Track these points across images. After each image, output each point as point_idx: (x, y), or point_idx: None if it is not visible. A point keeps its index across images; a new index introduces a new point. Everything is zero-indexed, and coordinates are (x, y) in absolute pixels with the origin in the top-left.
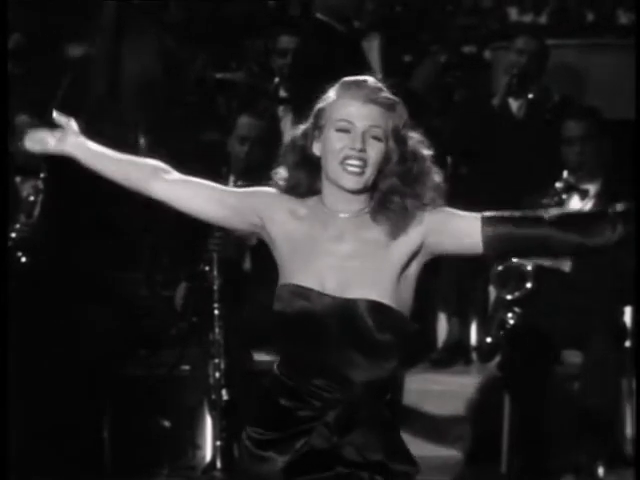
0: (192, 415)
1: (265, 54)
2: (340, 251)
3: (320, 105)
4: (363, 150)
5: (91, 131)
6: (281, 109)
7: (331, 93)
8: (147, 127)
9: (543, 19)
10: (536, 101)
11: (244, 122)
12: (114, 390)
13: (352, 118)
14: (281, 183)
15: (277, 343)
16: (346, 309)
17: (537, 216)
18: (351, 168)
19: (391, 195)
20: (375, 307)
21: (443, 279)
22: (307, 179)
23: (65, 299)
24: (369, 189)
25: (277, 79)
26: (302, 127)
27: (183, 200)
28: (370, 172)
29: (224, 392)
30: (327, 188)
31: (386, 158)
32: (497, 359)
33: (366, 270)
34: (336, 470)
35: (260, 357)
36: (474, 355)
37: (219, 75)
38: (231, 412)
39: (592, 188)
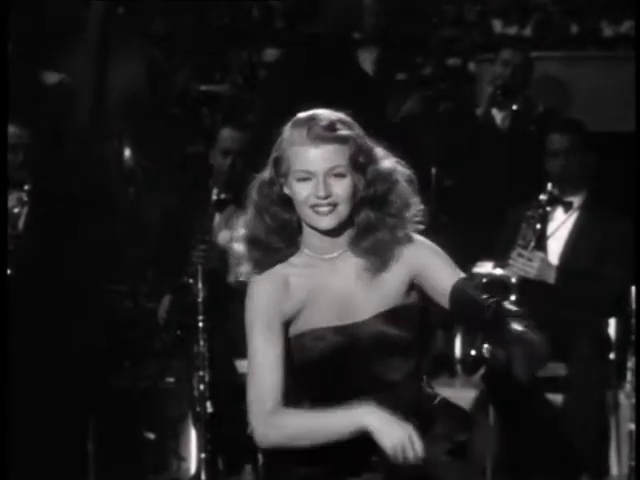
0: (176, 427)
1: (249, 66)
2: (339, 287)
3: (275, 154)
4: (329, 195)
5: (77, 143)
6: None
7: (283, 138)
8: (132, 139)
9: (527, 31)
10: (520, 113)
11: (226, 135)
12: (98, 402)
13: (309, 166)
14: (249, 235)
15: (307, 393)
16: (371, 327)
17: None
18: (322, 212)
19: (366, 232)
20: (393, 313)
21: None
22: (295, 217)
23: (49, 311)
24: (348, 224)
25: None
26: (265, 175)
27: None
28: (342, 209)
29: (209, 404)
30: (308, 232)
31: (354, 190)
32: (481, 372)
33: (369, 297)
34: None
35: (245, 370)
36: (458, 367)
37: (203, 87)
38: (216, 424)
39: (576, 200)
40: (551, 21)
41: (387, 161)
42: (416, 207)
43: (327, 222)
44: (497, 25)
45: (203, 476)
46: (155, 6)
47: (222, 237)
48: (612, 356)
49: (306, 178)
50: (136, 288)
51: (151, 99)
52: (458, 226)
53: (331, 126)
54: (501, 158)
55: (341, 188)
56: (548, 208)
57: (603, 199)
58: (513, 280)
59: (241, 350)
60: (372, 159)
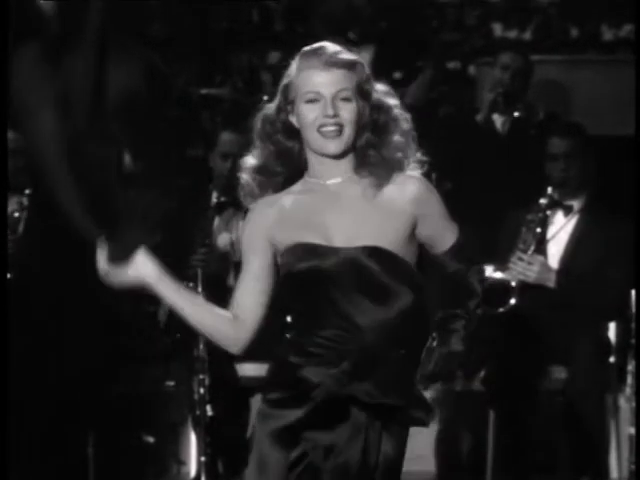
0: (176, 431)
1: (250, 69)
2: (341, 209)
3: (285, 81)
4: (336, 115)
5: (75, 147)
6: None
7: (293, 67)
8: (131, 142)
9: (527, 35)
10: (521, 117)
11: (226, 138)
12: (98, 406)
13: (318, 87)
14: (254, 164)
15: (286, 305)
16: (353, 258)
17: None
18: (329, 134)
19: (366, 149)
20: (380, 253)
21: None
22: (297, 145)
23: (48, 314)
24: (351, 150)
25: (266, 97)
26: (272, 105)
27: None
28: (348, 133)
29: (208, 408)
30: (312, 159)
31: (359, 116)
32: (482, 374)
33: (369, 222)
34: (352, 414)
35: (244, 373)
36: (458, 370)
37: (203, 90)
38: (215, 428)
39: (576, 204)
40: (551, 25)
41: (390, 97)
42: (414, 152)
43: (334, 146)
44: (497, 29)
45: (203, 479)
46: (155, 9)
47: (222, 240)
48: (612, 359)
49: (314, 100)
50: (136, 291)
51: (150, 102)
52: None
53: (339, 52)
54: (501, 162)
55: (347, 111)
56: (548, 212)
57: (603, 203)
58: (513, 284)
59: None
60: (376, 90)
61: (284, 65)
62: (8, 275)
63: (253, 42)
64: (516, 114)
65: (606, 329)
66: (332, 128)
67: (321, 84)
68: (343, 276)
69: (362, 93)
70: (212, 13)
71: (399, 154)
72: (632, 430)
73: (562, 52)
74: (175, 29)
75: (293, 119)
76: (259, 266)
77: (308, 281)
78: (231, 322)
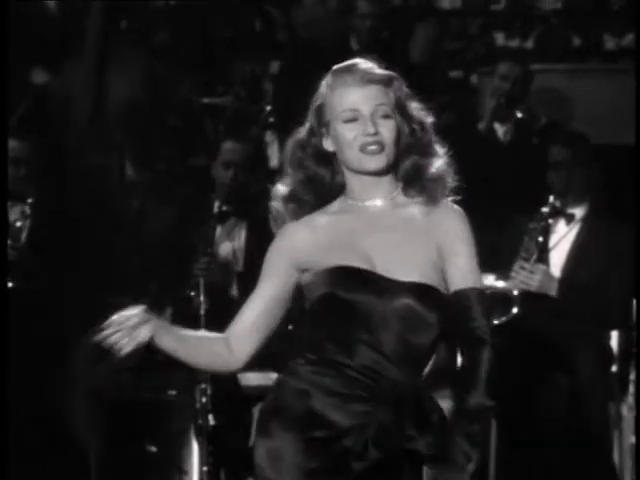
0: (179, 440)
1: (252, 79)
2: (379, 234)
3: (317, 102)
4: (377, 133)
5: (77, 157)
6: (269, 134)
7: (324, 87)
8: (133, 151)
9: (530, 44)
10: (522, 126)
11: (228, 147)
12: (100, 414)
13: (356, 105)
14: (285, 192)
15: (311, 330)
16: (399, 291)
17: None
18: (370, 151)
19: (414, 171)
20: (425, 290)
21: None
22: (329, 173)
23: (51, 323)
24: (391, 170)
25: (269, 107)
26: (304, 128)
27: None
28: (389, 151)
29: (210, 417)
30: (350, 178)
31: (399, 133)
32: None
33: (409, 252)
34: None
35: (247, 382)
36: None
37: (206, 99)
38: (218, 437)
39: (578, 212)
40: (553, 34)
41: (427, 115)
42: (452, 177)
43: (376, 162)
44: (499, 38)
45: None
46: (157, 18)
47: (224, 249)
48: (614, 368)
49: (353, 119)
50: (138, 300)
51: (152, 111)
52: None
53: (374, 68)
54: (503, 171)
55: (388, 128)
56: (550, 220)
57: (605, 211)
58: (515, 293)
59: None
60: (414, 107)
61: (286, 74)
62: (10, 284)
63: (255, 51)
64: (519, 115)
65: (608, 338)
66: (374, 147)
67: (359, 101)
68: (385, 307)
69: (401, 110)
70: (214, 22)
71: (444, 178)
72: (634, 439)
73: (564, 61)
74: (177, 38)
75: (327, 143)
76: (274, 293)
77: (347, 307)
78: (222, 351)
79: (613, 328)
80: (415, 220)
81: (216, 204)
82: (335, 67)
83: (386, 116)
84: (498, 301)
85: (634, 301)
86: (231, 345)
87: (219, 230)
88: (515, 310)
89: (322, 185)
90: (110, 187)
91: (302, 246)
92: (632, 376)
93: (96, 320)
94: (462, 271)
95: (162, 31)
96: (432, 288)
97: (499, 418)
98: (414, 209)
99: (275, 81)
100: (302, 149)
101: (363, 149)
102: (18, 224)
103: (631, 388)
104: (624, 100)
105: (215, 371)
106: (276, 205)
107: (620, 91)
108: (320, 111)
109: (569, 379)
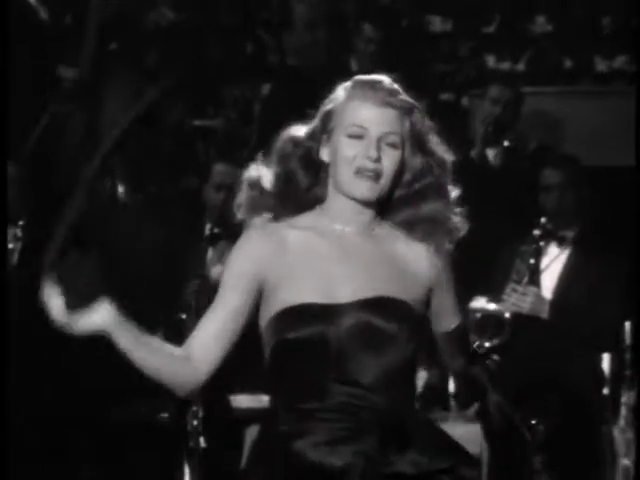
0: (170, 462)
1: (243, 101)
2: (351, 261)
3: (328, 106)
4: (378, 160)
5: (69, 179)
6: (260, 157)
7: (340, 93)
8: (124, 174)
9: (521, 66)
10: (512, 149)
11: (219, 170)
12: (92, 437)
13: (366, 123)
14: (254, 177)
15: (277, 375)
16: (357, 314)
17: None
18: (365, 177)
19: (410, 205)
20: (382, 301)
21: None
22: (308, 182)
23: (42, 346)
24: (381, 202)
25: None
26: (307, 128)
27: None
28: (385, 182)
29: (202, 440)
30: (334, 198)
31: (401, 166)
32: (475, 406)
33: (379, 276)
34: None
35: (238, 404)
36: (452, 402)
37: (197, 122)
38: (209, 460)
39: (570, 235)
40: (544, 56)
41: (447, 153)
42: (452, 219)
43: (368, 190)
44: (490, 60)
45: None
46: (149, 40)
47: (215, 272)
48: (606, 391)
49: (358, 135)
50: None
51: (144, 133)
52: (451, 261)
53: (398, 92)
54: (494, 194)
55: (391, 158)
56: (542, 243)
57: (597, 233)
58: (507, 315)
59: (235, 385)
60: (435, 142)
61: (275, 96)
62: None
63: (247, 74)
64: (506, 143)
65: (600, 360)
66: (370, 174)
67: (370, 121)
68: (338, 332)
69: (418, 143)
70: (205, 45)
71: (430, 227)
72: (626, 461)
73: (555, 83)
74: (169, 60)
75: (323, 152)
76: (236, 306)
77: (301, 347)
78: (182, 363)
79: (605, 350)
80: (394, 256)
81: (207, 226)
82: (359, 77)
83: (393, 145)
84: (490, 323)
85: (626, 324)
86: (191, 358)
87: (210, 252)
88: (507, 332)
89: (295, 190)
90: (101, 209)
91: (267, 259)
92: (624, 399)
93: (87, 343)
94: (452, 308)
95: (153, 53)
96: (388, 299)
97: (489, 437)
98: (394, 244)
99: (265, 104)
100: (294, 146)
101: (359, 172)
102: (10, 246)
103: (623, 411)
104: (616, 122)
105: (172, 385)
106: (242, 193)
107: (611, 113)
108: (328, 116)
109: (561, 401)
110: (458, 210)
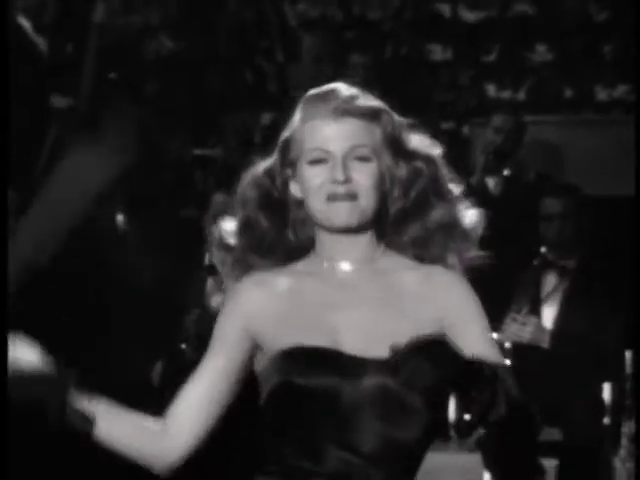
0: None
1: (243, 130)
2: (353, 304)
3: (285, 135)
4: (348, 180)
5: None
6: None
7: (296, 117)
8: (124, 203)
9: (521, 95)
10: (512, 178)
11: (219, 200)
12: (91, 462)
13: (326, 144)
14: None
15: (272, 431)
16: (368, 369)
17: None
18: (339, 202)
19: (402, 224)
20: (404, 361)
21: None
22: (272, 226)
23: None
24: (371, 226)
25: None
26: (264, 164)
27: (211, 419)
28: (366, 202)
29: None
30: (319, 233)
31: (382, 180)
32: (476, 435)
33: (391, 327)
34: None
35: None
36: (452, 431)
37: (197, 151)
38: None
39: (570, 264)
40: (545, 85)
41: (434, 148)
42: (462, 232)
43: (345, 215)
44: (491, 89)
45: None
46: (148, 70)
47: (215, 301)
48: (606, 420)
49: (321, 159)
50: (131, 352)
51: (143, 163)
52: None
53: (356, 97)
54: (494, 223)
55: (364, 174)
56: (542, 272)
57: (597, 263)
58: (507, 345)
59: (234, 414)
60: (416, 139)
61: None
62: None
63: (247, 103)
64: (506, 172)
65: (600, 390)
66: (342, 198)
67: (329, 139)
68: (353, 391)
69: (395, 148)
70: (206, 74)
71: (443, 235)
72: None
73: (556, 112)
74: (168, 89)
75: (294, 187)
76: (222, 367)
77: (306, 397)
78: (163, 429)
79: (605, 380)
80: (403, 291)
81: (207, 256)
82: (310, 92)
83: (364, 158)
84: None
85: (627, 353)
86: (169, 427)
87: (210, 282)
88: (508, 362)
89: (262, 239)
90: (101, 238)
91: (257, 313)
92: (624, 428)
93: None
94: (481, 341)
95: (153, 82)
96: (412, 359)
97: (491, 470)
98: (402, 276)
99: (265, 133)
100: (252, 187)
101: (331, 199)
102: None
103: (624, 441)
104: (616, 151)
105: (145, 461)
106: (214, 250)
107: (612, 142)
108: (287, 146)
109: (561, 430)
110: (467, 205)
